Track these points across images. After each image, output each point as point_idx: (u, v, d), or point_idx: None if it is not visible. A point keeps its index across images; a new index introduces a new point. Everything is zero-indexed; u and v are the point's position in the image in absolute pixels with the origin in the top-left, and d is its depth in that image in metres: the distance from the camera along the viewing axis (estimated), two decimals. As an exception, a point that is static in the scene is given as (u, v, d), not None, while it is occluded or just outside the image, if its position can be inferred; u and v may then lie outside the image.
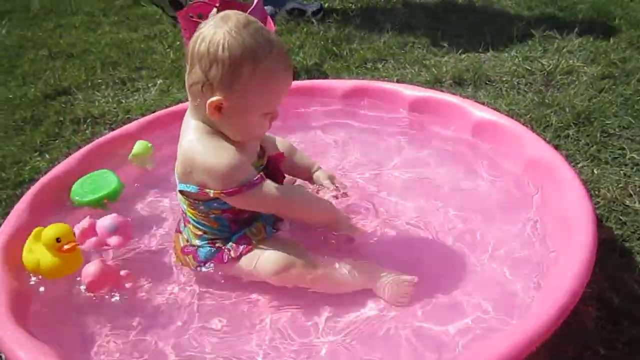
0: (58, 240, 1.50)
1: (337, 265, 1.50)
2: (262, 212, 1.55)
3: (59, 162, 2.30)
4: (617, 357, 1.37)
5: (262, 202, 1.47)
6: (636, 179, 1.97)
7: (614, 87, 2.53)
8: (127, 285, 1.58)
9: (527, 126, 2.18)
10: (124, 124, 2.63)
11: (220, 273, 1.58)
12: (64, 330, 1.46)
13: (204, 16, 2.98)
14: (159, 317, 1.53)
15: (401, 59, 3.02)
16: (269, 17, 3.00)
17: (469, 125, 1.97)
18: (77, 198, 1.80)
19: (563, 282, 1.19)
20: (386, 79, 2.77)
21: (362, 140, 2.21)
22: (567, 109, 2.36)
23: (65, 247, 1.51)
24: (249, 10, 2.81)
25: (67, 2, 4.59)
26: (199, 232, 1.57)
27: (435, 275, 1.54)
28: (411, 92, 2.17)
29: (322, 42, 3.26)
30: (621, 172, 2.01)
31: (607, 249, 1.61)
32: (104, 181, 1.84)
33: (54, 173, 1.86)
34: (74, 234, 1.55)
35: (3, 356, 1.45)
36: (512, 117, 2.06)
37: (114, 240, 1.61)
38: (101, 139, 2.09)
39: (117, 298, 1.57)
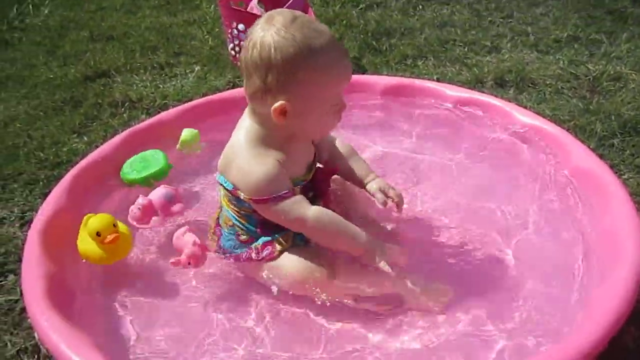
0: (98, 234, 1.52)
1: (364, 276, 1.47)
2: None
3: (96, 145, 2.36)
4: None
5: (286, 217, 1.42)
6: (682, 193, 1.90)
7: (662, 96, 2.45)
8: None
9: (571, 133, 2.15)
10: (161, 109, 2.66)
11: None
12: (101, 319, 1.48)
13: (244, 4, 2.97)
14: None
15: (442, 57, 2.97)
16: (310, 8, 2.97)
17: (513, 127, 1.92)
18: (126, 176, 1.84)
19: (610, 304, 1.15)
20: (426, 76, 2.71)
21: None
22: (613, 117, 2.29)
23: (108, 239, 1.52)
24: (290, 1, 2.79)
25: (109, -16, 4.64)
26: (230, 223, 1.56)
27: (475, 284, 1.53)
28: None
29: (361, 36, 3.22)
30: (668, 186, 1.94)
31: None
32: (153, 160, 1.87)
33: (92, 157, 1.87)
34: (115, 224, 1.56)
35: (37, 337, 1.48)
36: (555, 123, 2.01)
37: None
38: (138, 126, 2.08)
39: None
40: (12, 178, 2.25)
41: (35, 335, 1.50)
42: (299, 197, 1.43)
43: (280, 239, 1.50)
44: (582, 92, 2.54)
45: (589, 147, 1.97)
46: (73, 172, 1.77)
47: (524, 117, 1.92)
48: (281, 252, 1.49)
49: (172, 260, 1.53)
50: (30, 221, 1.95)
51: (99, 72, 3.09)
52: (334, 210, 1.49)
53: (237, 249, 1.55)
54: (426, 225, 1.75)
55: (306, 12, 2.95)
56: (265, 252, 1.49)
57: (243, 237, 1.54)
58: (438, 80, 2.65)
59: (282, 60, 1.30)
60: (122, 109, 2.70)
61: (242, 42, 2.79)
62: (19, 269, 1.65)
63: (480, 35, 3.17)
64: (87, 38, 3.60)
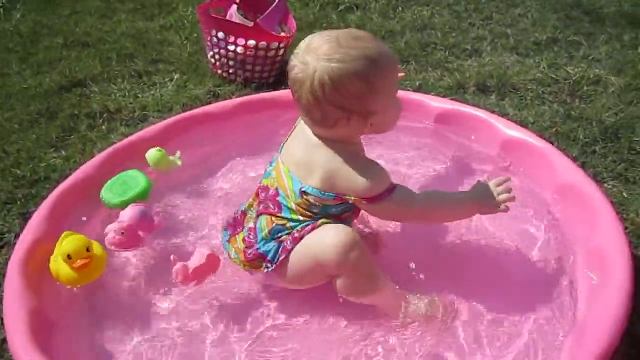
0: (69, 257, 1.48)
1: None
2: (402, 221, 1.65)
3: (74, 161, 2.31)
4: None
5: (402, 206, 1.47)
6: (665, 201, 1.92)
7: (642, 100, 2.48)
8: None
9: (554, 142, 2.16)
10: (141, 121, 2.63)
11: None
12: (85, 353, 1.45)
13: (223, 11, 2.93)
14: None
15: (423, 61, 2.96)
16: (290, 14, 2.94)
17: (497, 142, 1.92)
18: (109, 201, 1.80)
19: (601, 333, 1.16)
20: (407, 82, 2.70)
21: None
22: (594, 123, 2.30)
23: (77, 264, 1.48)
24: (270, 7, 2.76)
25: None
26: (282, 222, 1.53)
27: (470, 296, 1.54)
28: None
29: (342, 41, 3.19)
30: (650, 193, 1.97)
31: (637, 279, 1.57)
32: (132, 181, 1.84)
33: (71, 179, 1.82)
34: (88, 249, 1.52)
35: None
36: (539, 135, 2.02)
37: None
38: (119, 144, 2.03)
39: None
40: (-12, 197, 2.19)
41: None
42: (403, 186, 1.49)
43: (323, 220, 1.50)
44: (563, 96, 2.56)
45: (573, 159, 2.00)
46: (52, 197, 1.72)
47: (509, 130, 1.91)
48: (323, 223, 1.49)
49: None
50: (9, 243, 1.91)
51: (75, 81, 3.01)
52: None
53: (279, 246, 1.52)
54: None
55: (287, 17, 2.92)
56: (307, 227, 1.49)
57: (283, 235, 1.53)
58: (420, 86, 2.65)
59: (361, 82, 1.34)
60: (100, 121, 2.64)
61: (221, 50, 2.76)
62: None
63: (461, 38, 3.17)
64: (61, 44, 3.51)
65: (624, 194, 1.94)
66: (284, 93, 2.31)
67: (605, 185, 2.00)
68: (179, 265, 1.53)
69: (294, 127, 1.60)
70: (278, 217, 1.53)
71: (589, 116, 2.35)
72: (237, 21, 2.81)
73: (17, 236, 1.80)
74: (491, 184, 1.52)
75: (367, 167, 1.43)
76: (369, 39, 1.39)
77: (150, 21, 3.81)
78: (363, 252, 1.43)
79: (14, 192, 2.17)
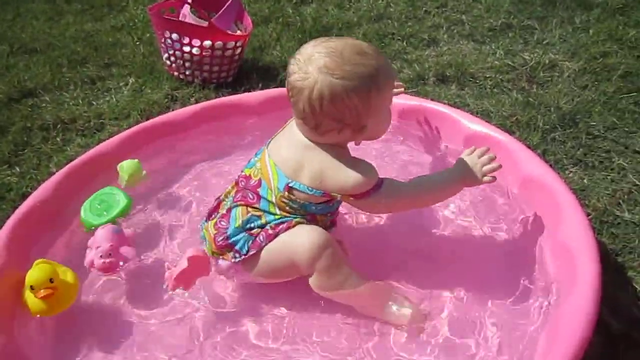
0: (32, 287, 1.43)
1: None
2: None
3: (30, 177, 2.22)
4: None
5: (391, 199, 1.48)
6: (623, 185, 1.98)
7: (596, 83, 2.54)
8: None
9: (514, 130, 2.20)
10: (97, 130, 2.55)
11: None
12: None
13: (176, 10, 2.85)
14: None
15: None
16: (245, 12, 2.88)
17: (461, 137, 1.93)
18: (90, 222, 1.73)
19: (574, 328, 1.19)
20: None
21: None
22: (552, 109, 2.35)
23: (40, 294, 1.43)
24: (225, 6, 2.70)
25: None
26: (258, 214, 1.53)
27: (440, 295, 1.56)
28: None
29: (299, 35, 3.16)
30: (608, 177, 2.02)
31: (603, 266, 1.61)
32: (111, 199, 1.79)
33: (29, 202, 1.74)
34: (52, 279, 1.45)
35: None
36: (499, 121, 2.04)
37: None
38: (76, 161, 1.95)
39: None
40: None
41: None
42: (389, 179, 1.50)
43: (299, 219, 1.51)
44: (521, 83, 2.60)
45: (534, 147, 2.03)
46: (10, 224, 1.63)
47: (473, 125, 1.92)
48: (297, 223, 1.50)
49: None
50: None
51: (25, 92, 2.89)
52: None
53: (250, 238, 1.52)
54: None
55: (242, 15, 2.87)
56: (281, 226, 1.50)
57: (255, 231, 1.52)
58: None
59: (359, 99, 1.37)
60: (55, 132, 2.54)
61: (177, 52, 2.69)
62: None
63: (417, 28, 3.18)
64: (6, 52, 3.35)
65: (584, 180, 1.99)
66: (243, 97, 2.28)
67: (566, 172, 2.05)
68: (167, 272, 1.55)
69: (284, 126, 1.61)
70: (255, 208, 1.54)
71: (547, 102, 2.40)
72: (191, 22, 2.74)
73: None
74: (474, 155, 1.55)
75: (354, 166, 1.44)
76: (372, 56, 1.39)
77: (100, 22, 3.69)
78: (335, 253, 1.45)
79: (-33, 215, 2.09)
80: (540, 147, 2.15)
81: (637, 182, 1.98)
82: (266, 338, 1.52)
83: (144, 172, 1.93)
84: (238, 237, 1.52)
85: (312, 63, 1.36)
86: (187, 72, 2.77)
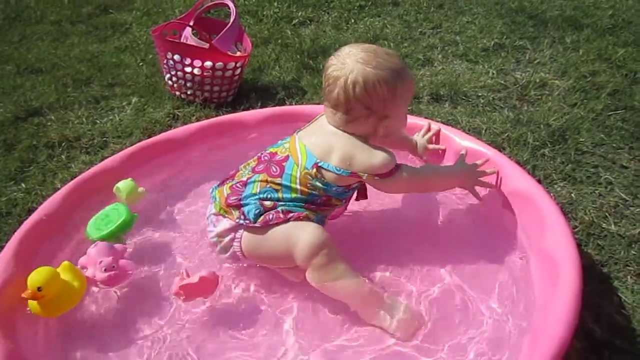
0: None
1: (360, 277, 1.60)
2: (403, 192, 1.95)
3: (35, 193, 2.29)
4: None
5: (405, 180, 1.67)
6: (610, 199, 2.04)
7: (585, 101, 2.61)
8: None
9: (505, 147, 2.27)
10: (101, 148, 2.62)
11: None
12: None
13: (178, 33, 2.95)
14: None
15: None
16: (245, 34, 2.98)
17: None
18: (91, 237, 1.81)
19: (554, 335, 1.24)
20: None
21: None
22: (542, 127, 2.42)
23: (27, 294, 1.49)
24: (225, 28, 2.79)
25: (31, 10, 4.47)
26: (276, 187, 1.66)
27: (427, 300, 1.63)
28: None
29: (298, 56, 3.25)
30: (596, 192, 2.08)
31: (588, 276, 1.66)
32: (114, 214, 1.85)
33: (35, 216, 1.81)
34: (40, 289, 1.50)
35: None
36: (490, 138, 2.11)
37: (119, 246, 1.73)
38: (81, 177, 2.03)
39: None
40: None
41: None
42: (405, 164, 1.71)
43: (308, 213, 1.65)
44: (512, 102, 2.67)
45: (524, 163, 2.10)
46: (17, 235, 1.70)
47: (464, 141, 2.00)
48: (306, 218, 1.64)
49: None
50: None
51: (31, 111, 2.97)
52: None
53: (260, 208, 1.65)
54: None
55: (242, 36, 2.96)
56: (292, 214, 1.63)
57: (268, 204, 1.65)
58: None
59: (388, 88, 1.59)
60: (60, 150, 2.62)
61: (178, 72, 2.78)
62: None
63: (413, 48, 3.27)
64: (13, 72, 3.46)
65: (572, 194, 2.05)
66: (244, 115, 2.36)
67: (555, 186, 2.11)
68: (177, 277, 1.62)
69: (314, 120, 1.80)
70: (274, 182, 1.66)
71: (537, 120, 2.47)
72: (193, 43, 2.83)
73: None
74: (472, 163, 1.83)
75: (378, 149, 1.65)
76: (398, 57, 1.66)
77: (104, 43, 3.79)
78: (331, 252, 1.57)
79: (-25, 230, 2.15)
80: (529, 163, 2.22)
81: (624, 196, 2.04)
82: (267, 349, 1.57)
83: (141, 188, 2.00)
84: (250, 202, 1.66)
85: (350, 57, 1.60)
86: (189, 92, 2.85)
